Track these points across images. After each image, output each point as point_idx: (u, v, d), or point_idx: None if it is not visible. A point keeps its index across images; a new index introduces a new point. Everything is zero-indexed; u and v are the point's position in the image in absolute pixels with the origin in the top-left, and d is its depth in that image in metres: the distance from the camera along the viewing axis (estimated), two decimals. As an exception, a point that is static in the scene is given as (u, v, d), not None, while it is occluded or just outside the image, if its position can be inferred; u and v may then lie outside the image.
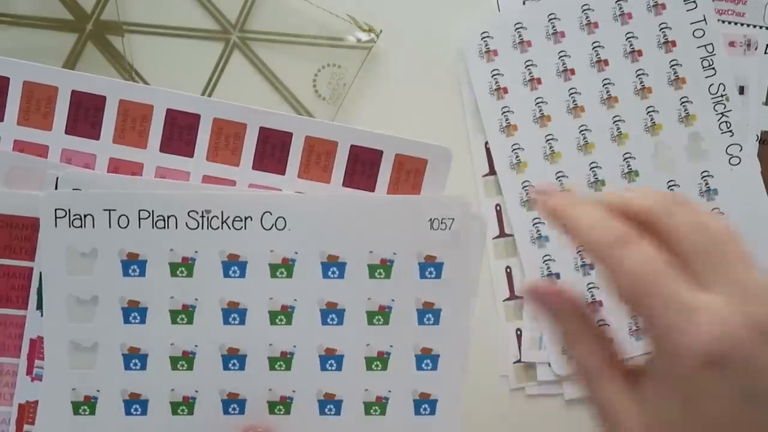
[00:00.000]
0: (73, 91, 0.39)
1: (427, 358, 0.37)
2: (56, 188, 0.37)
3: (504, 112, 0.43)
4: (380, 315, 0.36)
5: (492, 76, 0.43)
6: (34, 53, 0.40)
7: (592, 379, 0.30)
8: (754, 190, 0.43)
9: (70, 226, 0.35)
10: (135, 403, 0.37)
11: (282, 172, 0.40)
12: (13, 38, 0.41)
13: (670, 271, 0.28)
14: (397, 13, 0.43)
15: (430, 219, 0.36)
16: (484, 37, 0.43)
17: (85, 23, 0.41)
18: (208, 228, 0.35)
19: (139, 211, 0.35)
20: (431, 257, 0.36)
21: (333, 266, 0.35)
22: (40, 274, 0.38)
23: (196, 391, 0.37)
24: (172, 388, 0.37)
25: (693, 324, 0.26)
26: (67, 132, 0.40)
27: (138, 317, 0.36)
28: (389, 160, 0.40)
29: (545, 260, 0.43)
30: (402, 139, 0.40)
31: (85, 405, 0.37)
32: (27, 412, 0.39)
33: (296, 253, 0.35)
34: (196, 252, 0.35)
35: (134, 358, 0.36)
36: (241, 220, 0.35)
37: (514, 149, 0.43)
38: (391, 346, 0.37)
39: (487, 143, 0.44)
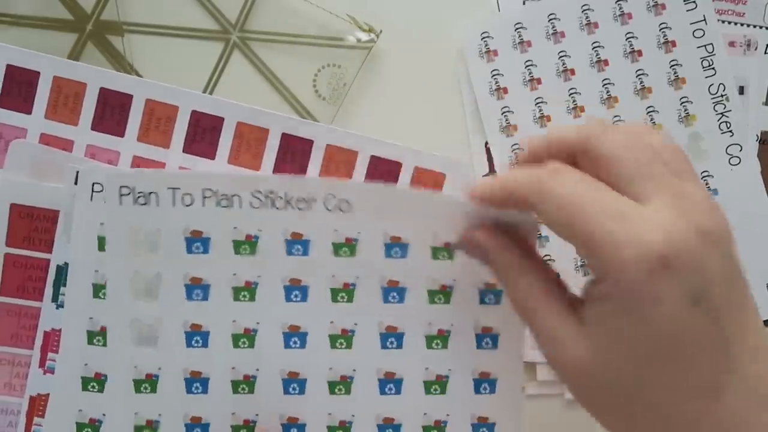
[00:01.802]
0: (101, 89, 0.40)
1: (485, 382, 0.37)
2: (76, 183, 0.38)
3: (504, 112, 0.43)
4: (441, 294, 0.36)
5: (492, 76, 0.43)
6: (34, 53, 0.40)
7: (531, 311, 0.29)
8: (754, 190, 0.43)
9: (134, 203, 0.35)
10: (196, 382, 0.37)
11: None
12: (13, 38, 0.41)
13: (603, 189, 0.27)
14: (397, 13, 0.43)
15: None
16: (484, 37, 0.43)
17: (85, 23, 0.41)
18: (272, 207, 0.35)
19: (203, 189, 0.35)
20: None
21: (396, 246, 0.35)
22: (57, 266, 0.39)
23: (257, 370, 0.37)
24: (233, 367, 0.37)
25: (634, 233, 0.25)
26: (92, 128, 0.40)
27: (200, 294, 0.36)
28: (408, 172, 0.40)
29: (546, 260, 0.43)
30: (421, 153, 0.40)
31: (147, 383, 0.37)
32: (38, 404, 0.39)
33: (359, 233, 0.35)
34: (260, 230, 0.35)
35: (196, 336, 0.36)
36: (305, 201, 0.34)
37: (514, 149, 0.43)
38: (452, 324, 0.37)
39: (487, 143, 0.44)
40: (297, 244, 0.35)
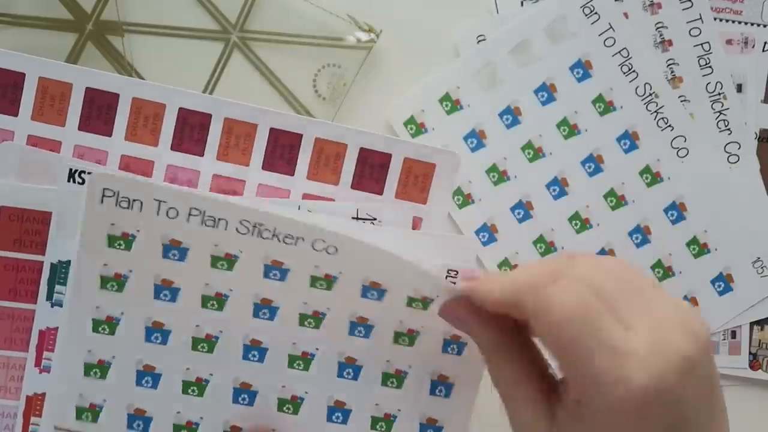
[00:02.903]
0: (87, 88, 0.40)
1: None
2: (68, 179, 0.37)
3: (503, 112, 0.44)
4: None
5: (491, 76, 0.44)
6: (34, 53, 0.40)
7: (510, 398, 0.30)
8: (753, 187, 0.44)
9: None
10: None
11: (291, 173, 0.40)
12: (13, 38, 0.41)
13: (601, 309, 0.26)
14: (397, 13, 0.43)
15: None
16: (480, 40, 0.44)
17: (85, 23, 0.41)
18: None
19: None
20: None
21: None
22: (51, 264, 0.38)
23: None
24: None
25: (624, 372, 0.25)
26: (80, 128, 0.40)
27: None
28: (398, 163, 0.40)
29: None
30: (411, 143, 0.40)
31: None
32: (35, 404, 0.39)
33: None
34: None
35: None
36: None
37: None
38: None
39: (486, 143, 0.44)
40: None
